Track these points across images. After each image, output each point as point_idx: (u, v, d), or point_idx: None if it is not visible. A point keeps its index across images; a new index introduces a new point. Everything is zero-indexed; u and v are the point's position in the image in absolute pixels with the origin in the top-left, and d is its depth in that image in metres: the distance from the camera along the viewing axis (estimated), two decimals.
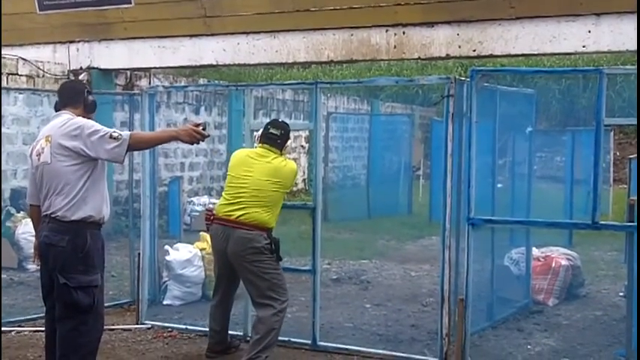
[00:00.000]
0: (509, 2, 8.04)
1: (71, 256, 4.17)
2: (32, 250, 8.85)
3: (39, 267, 4.50)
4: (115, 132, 4.16)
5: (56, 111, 4.48)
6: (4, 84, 10.16)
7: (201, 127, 4.32)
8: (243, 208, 5.25)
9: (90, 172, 4.20)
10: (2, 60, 10.31)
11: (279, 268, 5.36)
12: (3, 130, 9.95)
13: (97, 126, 4.20)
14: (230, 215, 5.28)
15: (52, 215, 4.22)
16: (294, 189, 17.12)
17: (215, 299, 5.64)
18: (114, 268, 8.75)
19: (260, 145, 5.46)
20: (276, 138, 5.41)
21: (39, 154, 4.33)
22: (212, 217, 5.43)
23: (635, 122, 5.31)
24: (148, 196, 6.73)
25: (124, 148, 4.15)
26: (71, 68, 10.91)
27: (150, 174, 6.76)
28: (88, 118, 4.36)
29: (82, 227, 4.19)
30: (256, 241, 5.21)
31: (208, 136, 4.41)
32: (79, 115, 4.34)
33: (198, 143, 4.45)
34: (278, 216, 5.40)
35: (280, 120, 5.76)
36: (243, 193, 5.28)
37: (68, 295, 4.18)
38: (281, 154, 5.43)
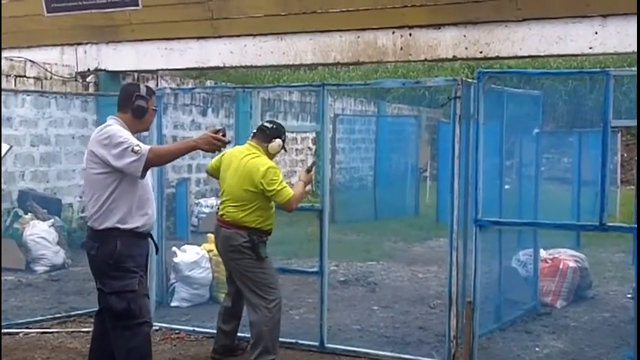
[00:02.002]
0: (516, 4, 8.03)
1: (102, 263, 4.22)
2: (40, 252, 9.04)
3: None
4: (137, 146, 4.13)
5: None
6: (12, 86, 10.20)
7: (220, 134, 4.24)
8: (224, 207, 5.36)
9: (118, 181, 4.19)
10: (10, 62, 10.35)
11: (265, 267, 5.33)
12: (10, 131, 10.00)
13: (124, 137, 4.18)
14: (217, 214, 5.46)
15: (88, 223, 4.32)
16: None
17: (226, 300, 5.66)
18: None
19: (249, 141, 5.48)
20: (265, 129, 5.43)
21: (84, 160, 4.39)
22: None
23: None
24: (156, 198, 6.72)
25: (142, 164, 4.12)
26: (79, 70, 10.95)
27: (157, 176, 6.78)
28: (139, 124, 4.40)
29: (110, 235, 4.19)
30: (233, 239, 5.26)
31: (229, 142, 4.32)
32: (127, 121, 4.35)
33: (219, 150, 4.40)
34: (262, 215, 5.31)
35: (276, 121, 5.78)
36: (223, 191, 5.39)
37: (104, 300, 4.28)
38: (266, 151, 5.38)
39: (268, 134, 5.41)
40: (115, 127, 4.27)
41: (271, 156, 5.42)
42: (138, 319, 4.24)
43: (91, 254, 4.24)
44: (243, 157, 5.33)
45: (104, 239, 4.19)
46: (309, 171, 5.58)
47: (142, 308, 4.28)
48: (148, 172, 4.33)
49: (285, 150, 5.65)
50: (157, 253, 4.67)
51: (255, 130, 5.53)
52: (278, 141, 5.42)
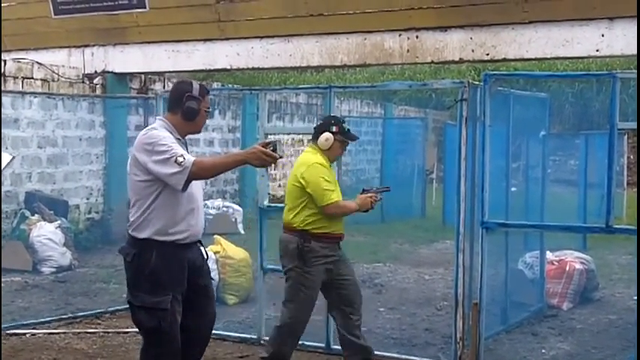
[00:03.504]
0: (523, 6, 8.03)
1: (136, 273, 3.93)
2: (47, 253, 9.06)
3: None
4: (181, 156, 3.78)
5: None
6: (19, 88, 10.24)
7: (270, 148, 3.78)
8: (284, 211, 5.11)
9: (160, 190, 3.88)
10: (18, 64, 10.39)
11: (304, 283, 4.90)
12: (18, 133, 10.05)
13: (168, 145, 3.83)
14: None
15: (128, 229, 4.02)
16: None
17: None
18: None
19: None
20: (315, 129, 5.12)
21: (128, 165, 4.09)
22: None
23: None
24: None
25: (184, 177, 3.77)
26: (86, 72, 10.99)
27: None
28: (190, 127, 4.07)
29: (148, 245, 3.90)
30: (283, 244, 4.98)
31: (281, 157, 3.89)
32: (176, 123, 4.01)
33: (269, 166, 4.01)
34: (313, 215, 4.89)
35: (331, 115, 5.40)
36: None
37: (133, 313, 3.99)
38: (319, 149, 5.00)
39: (315, 133, 5.07)
40: (160, 131, 3.93)
41: (326, 153, 5.00)
42: (168, 336, 3.94)
43: (127, 260, 3.96)
44: (299, 157, 5.12)
45: (141, 248, 3.90)
46: (365, 191, 5.18)
47: (173, 325, 3.95)
48: (199, 181, 4.06)
49: (347, 141, 5.10)
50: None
51: None
52: (325, 135, 4.98)
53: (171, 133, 3.96)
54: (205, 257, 4.20)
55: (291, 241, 4.89)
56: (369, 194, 5.12)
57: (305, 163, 4.96)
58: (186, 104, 3.98)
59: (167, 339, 3.94)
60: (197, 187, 4.06)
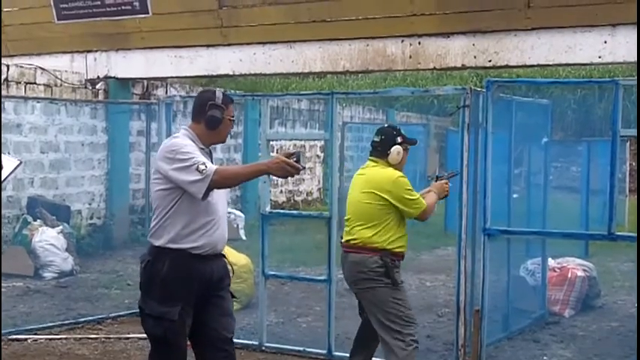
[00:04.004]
0: (525, 13, 8.04)
1: (148, 280, 3.90)
2: (49, 258, 9.06)
3: None
4: (203, 164, 3.72)
5: None
6: (22, 93, 10.26)
7: (293, 158, 3.70)
8: (350, 229, 4.84)
9: (178, 199, 3.83)
10: (21, 69, 10.41)
11: (401, 297, 4.74)
12: (20, 138, 10.06)
13: (190, 153, 3.78)
14: (344, 239, 4.91)
15: (147, 237, 4.02)
16: (309, 198, 17.16)
17: (359, 332, 5.17)
18: (130, 277, 8.81)
19: (368, 157, 4.98)
20: (376, 145, 4.87)
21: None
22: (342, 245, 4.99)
23: None
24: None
25: (205, 185, 3.71)
26: (88, 77, 11.01)
27: None
28: (213, 136, 3.99)
29: (162, 253, 3.86)
30: (363, 264, 4.71)
31: (303, 168, 3.81)
32: (200, 133, 3.95)
33: (292, 176, 3.85)
34: (395, 234, 4.77)
35: (387, 124, 5.14)
36: (349, 213, 4.89)
37: (141, 318, 3.98)
38: (387, 164, 4.84)
39: (380, 150, 4.85)
40: (182, 140, 3.89)
41: (397, 166, 4.85)
42: (173, 348, 3.90)
43: (142, 266, 3.94)
44: (366, 172, 4.88)
45: (156, 256, 3.88)
46: (439, 179, 5.11)
47: (179, 338, 3.90)
48: (223, 191, 3.99)
49: (406, 147, 4.90)
50: (232, 273, 4.16)
51: (370, 147, 4.97)
52: (395, 149, 4.81)
53: (194, 142, 3.91)
54: (228, 272, 4.12)
55: (372, 261, 4.69)
56: (443, 180, 5.09)
57: (387, 178, 4.75)
58: (209, 113, 3.93)
59: (172, 350, 3.90)
60: (220, 199, 3.99)
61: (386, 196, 4.72)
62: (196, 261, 3.87)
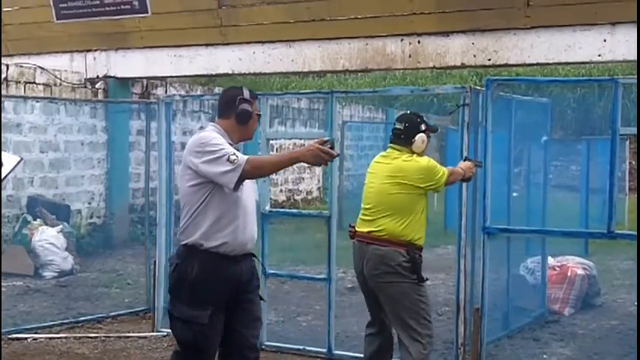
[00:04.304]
0: (525, 11, 8.04)
1: (177, 283, 3.80)
2: (49, 258, 9.06)
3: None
4: (233, 154, 3.67)
5: None
6: (21, 92, 10.26)
7: (327, 145, 3.66)
8: (374, 220, 4.64)
9: (209, 194, 3.76)
10: (20, 68, 10.41)
11: (424, 294, 4.61)
12: (20, 138, 10.06)
13: (220, 145, 3.73)
14: (363, 229, 4.70)
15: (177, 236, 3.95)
16: (309, 197, 17.15)
17: (371, 328, 4.91)
18: (130, 276, 8.82)
19: (389, 145, 4.84)
20: (399, 133, 4.72)
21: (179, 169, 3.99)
22: (354, 233, 4.83)
23: None
24: (164, 204, 6.76)
25: (237, 175, 3.64)
26: (88, 77, 11.01)
27: (166, 182, 6.80)
28: (243, 131, 3.96)
29: (192, 254, 3.79)
30: (390, 258, 4.54)
31: (338, 155, 3.75)
32: (229, 128, 3.91)
33: (326, 164, 3.81)
34: (421, 227, 4.64)
35: (410, 112, 5.04)
36: (371, 202, 4.70)
37: (170, 322, 3.89)
38: (411, 152, 4.69)
39: (404, 138, 4.71)
40: (211, 133, 3.85)
41: (419, 155, 4.71)
42: (203, 353, 3.84)
43: (170, 270, 3.88)
44: (391, 161, 4.69)
45: (185, 257, 3.80)
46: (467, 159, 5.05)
47: (210, 341, 3.82)
48: (251, 186, 3.95)
49: (429, 134, 4.78)
50: (264, 275, 4.08)
51: (391, 134, 4.84)
52: (420, 137, 4.67)
53: (223, 137, 3.87)
54: (257, 273, 4.06)
55: (399, 255, 4.55)
56: (472, 162, 5.04)
57: (419, 168, 4.62)
58: (240, 107, 3.91)
59: (202, 355, 3.84)
60: (250, 196, 3.94)
61: (420, 185, 4.58)
62: (225, 262, 3.80)
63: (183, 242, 3.83)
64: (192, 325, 3.74)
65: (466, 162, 5.04)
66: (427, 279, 4.64)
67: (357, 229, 4.78)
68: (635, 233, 5.10)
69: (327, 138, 3.78)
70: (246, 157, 3.70)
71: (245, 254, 3.92)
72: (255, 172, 3.75)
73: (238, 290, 3.88)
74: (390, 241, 4.56)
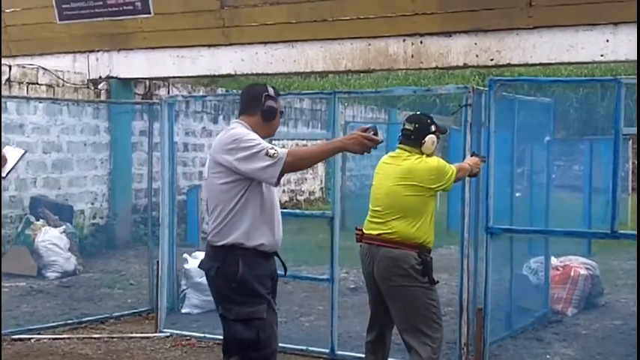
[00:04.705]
0: (527, 12, 8.04)
1: (224, 286, 3.71)
2: (52, 258, 9.07)
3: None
4: (272, 149, 3.59)
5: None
6: (24, 93, 10.28)
7: (370, 132, 3.61)
8: (384, 222, 4.57)
9: (244, 191, 3.67)
10: (23, 69, 10.42)
11: (435, 297, 4.56)
12: (23, 138, 10.07)
13: (255, 140, 3.65)
14: (373, 232, 4.63)
15: (208, 238, 3.80)
16: (312, 197, 17.16)
17: (370, 334, 4.81)
18: (133, 276, 8.83)
19: (398, 145, 4.75)
20: (409, 134, 4.63)
21: (206, 168, 3.90)
22: (361, 235, 4.75)
23: None
24: (167, 205, 6.77)
25: (279, 168, 3.56)
26: (90, 77, 11.03)
27: (169, 183, 6.81)
28: (267, 128, 3.88)
29: (231, 254, 3.69)
30: (402, 260, 4.48)
31: (382, 142, 3.70)
32: (254, 125, 3.83)
33: (369, 152, 3.70)
34: (430, 228, 4.59)
35: (419, 112, 4.89)
36: (381, 204, 4.63)
37: (227, 327, 3.76)
38: (420, 153, 4.61)
39: (414, 139, 4.62)
40: (242, 129, 3.77)
41: (429, 156, 4.64)
42: (267, 349, 3.72)
43: (210, 275, 3.75)
44: (401, 162, 4.61)
45: (225, 259, 3.69)
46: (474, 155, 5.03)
47: (272, 337, 3.74)
48: (276, 189, 3.85)
49: (439, 135, 4.71)
50: (285, 274, 3.96)
51: (400, 134, 4.75)
52: (430, 138, 4.60)
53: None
54: (284, 272, 4.01)
55: (412, 257, 4.49)
56: (479, 158, 5.00)
57: (431, 169, 4.55)
58: (266, 104, 3.85)
59: (265, 352, 3.73)
60: (275, 193, 3.88)
61: (431, 186, 4.53)
62: (264, 259, 3.76)
63: (220, 243, 3.71)
64: (253, 322, 3.66)
65: (473, 157, 5.02)
66: (438, 281, 4.61)
67: (365, 231, 4.71)
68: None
69: (368, 125, 3.70)
70: (285, 149, 3.63)
71: (275, 252, 3.88)
72: (297, 163, 3.67)
73: (271, 290, 3.83)
74: (401, 243, 4.50)
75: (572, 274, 7.30)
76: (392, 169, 4.63)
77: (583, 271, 7.36)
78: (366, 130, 3.61)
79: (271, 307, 3.75)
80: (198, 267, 3.90)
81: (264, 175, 3.60)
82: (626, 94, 5.09)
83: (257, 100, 3.86)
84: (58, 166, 10.71)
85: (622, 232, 5.34)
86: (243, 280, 3.67)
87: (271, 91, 3.91)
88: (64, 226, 9.61)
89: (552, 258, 7.26)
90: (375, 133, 3.62)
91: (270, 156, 3.57)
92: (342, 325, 6.20)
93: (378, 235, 4.58)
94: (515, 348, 6.12)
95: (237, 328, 3.69)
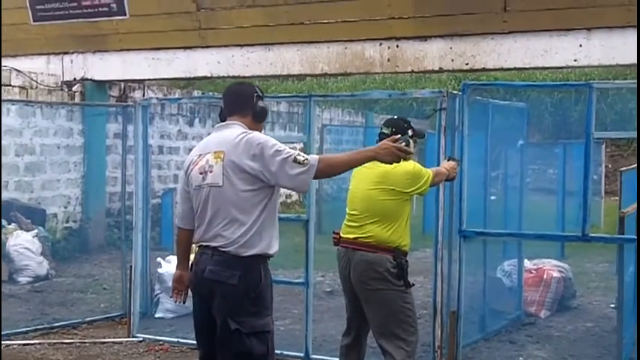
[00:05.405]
0: (502, 16, 8.09)
1: (243, 297, 3.51)
2: (24, 262, 8.95)
3: (176, 302, 3.91)
4: (299, 154, 3.47)
5: (221, 120, 3.78)
6: None
7: (402, 144, 3.64)
8: (360, 226, 4.58)
9: (267, 199, 3.54)
10: None
11: (410, 300, 4.58)
12: None
13: (279, 145, 3.50)
14: (349, 235, 4.64)
15: (221, 248, 3.54)
16: (289, 201, 17.13)
17: (346, 338, 4.80)
18: (106, 281, 8.76)
19: None
20: (385, 138, 4.64)
21: (204, 172, 3.59)
22: (338, 239, 4.74)
23: (624, 136, 5.35)
24: (141, 208, 6.72)
25: (311, 175, 3.46)
26: (65, 79, 10.93)
27: (143, 186, 6.77)
28: (257, 129, 3.73)
29: (255, 262, 3.54)
30: (378, 264, 4.49)
31: (412, 153, 3.71)
32: (247, 126, 3.67)
33: (398, 162, 3.67)
34: (405, 232, 4.60)
35: (397, 116, 4.95)
36: (357, 208, 4.63)
37: (240, 343, 3.50)
38: None
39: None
40: (258, 134, 3.60)
41: (405, 160, 4.40)
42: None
43: (229, 284, 3.49)
44: (378, 166, 4.34)
45: (248, 267, 3.52)
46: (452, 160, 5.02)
47: (273, 349, 3.65)
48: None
49: (416, 140, 4.73)
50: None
51: (377, 138, 4.61)
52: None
53: None
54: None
55: (385, 260, 4.49)
56: (454, 162, 4.99)
57: (406, 173, 4.54)
58: (258, 104, 3.76)
59: None
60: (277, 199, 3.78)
61: (406, 190, 4.54)
62: (268, 266, 3.68)
63: (247, 254, 3.52)
64: (265, 335, 3.56)
65: (449, 162, 5.04)
66: (413, 284, 4.61)
67: (342, 235, 4.71)
68: (610, 236, 5.15)
69: (398, 136, 3.71)
70: (317, 156, 3.54)
71: None
72: (329, 171, 3.59)
73: None
74: (377, 247, 4.51)
75: (545, 276, 7.36)
76: (368, 172, 4.59)
77: (556, 274, 7.42)
78: (396, 141, 3.59)
79: (272, 319, 3.68)
80: (206, 277, 3.56)
81: (296, 183, 3.47)
82: (599, 98, 5.15)
83: (249, 100, 3.74)
84: (31, 169, 10.60)
85: (593, 235, 5.39)
86: (261, 290, 3.57)
87: (259, 90, 3.84)
88: (36, 230, 9.50)
89: (525, 261, 7.31)
90: (408, 144, 3.66)
91: (299, 162, 3.45)
92: (317, 329, 6.19)
93: (355, 238, 4.59)
94: (488, 350, 6.15)
95: (251, 343, 3.52)
